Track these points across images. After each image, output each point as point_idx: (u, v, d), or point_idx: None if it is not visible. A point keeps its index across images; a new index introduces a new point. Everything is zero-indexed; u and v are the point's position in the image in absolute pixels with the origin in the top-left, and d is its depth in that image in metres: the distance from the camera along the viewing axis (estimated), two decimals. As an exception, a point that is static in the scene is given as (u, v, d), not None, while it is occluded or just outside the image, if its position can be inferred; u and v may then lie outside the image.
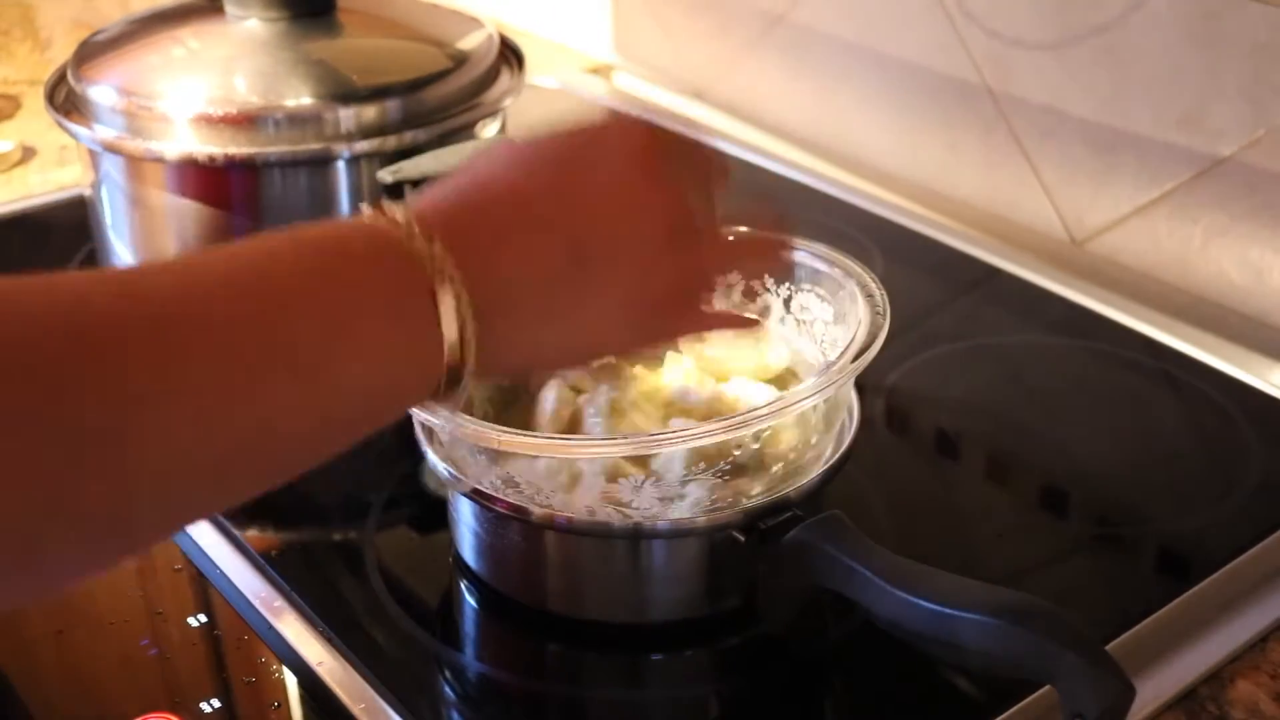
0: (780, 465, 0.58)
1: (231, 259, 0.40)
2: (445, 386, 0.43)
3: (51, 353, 0.34)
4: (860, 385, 0.62)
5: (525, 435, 0.56)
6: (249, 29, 0.82)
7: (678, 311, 0.48)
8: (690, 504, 0.55)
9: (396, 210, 0.43)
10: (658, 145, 0.48)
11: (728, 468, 0.56)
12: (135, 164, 0.80)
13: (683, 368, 0.63)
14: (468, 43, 0.85)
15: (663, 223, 0.47)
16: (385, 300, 0.41)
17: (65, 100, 0.83)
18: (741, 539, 0.56)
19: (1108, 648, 0.50)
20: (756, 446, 0.57)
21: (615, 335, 0.47)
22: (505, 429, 0.56)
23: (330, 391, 0.40)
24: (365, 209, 0.43)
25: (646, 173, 0.47)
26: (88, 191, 0.86)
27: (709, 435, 0.54)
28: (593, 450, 0.55)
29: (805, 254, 0.64)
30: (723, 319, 0.49)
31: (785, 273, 0.65)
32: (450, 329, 0.41)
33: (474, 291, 0.42)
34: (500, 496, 0.56)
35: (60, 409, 0.34)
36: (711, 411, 0.60)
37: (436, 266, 0.41)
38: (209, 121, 0.77)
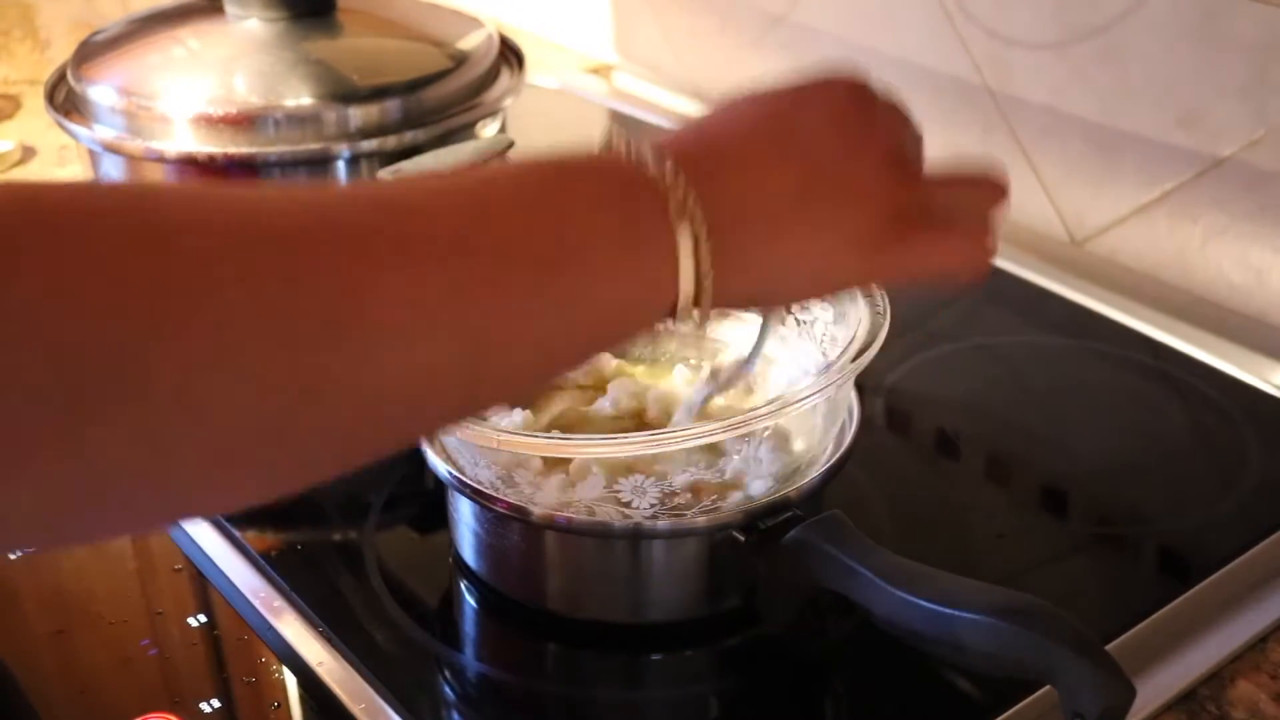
0: (781, 467, 0.58)
1: (475, 181, 0.40)
2: (681, 310, 0.43)
3: (299, 250, 0.35)
4: (860, 385, 0.62)
5: (525, 435, 0.57)
6: (249, 29, 0.82)
7: (903, 243, 0.48)
8: (690, 504, 0.55)
9: (626, 139, 0.43)
10: (867, 92, 0.50)
11: (728, 468, 0.56)
12: (135, 164, 0.80)
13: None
14: (468, 43, 0.85)
15: (881, 157, 0.48)
16: (618, 220, 0.41)
17: (65, 100, 0.83)
18: (741, 539, 0.56)
19: (1108, 648, 0.50)
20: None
21: (847, 263, 0.47)
22: (505, 429, 0.56)
23: (568, 311, 0.40)
24: (406, 169, 0.43)
25: (862, 113, 0.48)
26: (88, 191, 0.86)
27: (709, 435, 0.54)
28: (592, 450, 0.55)
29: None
30: (945, 253, 0.49)
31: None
32: (686, 252, 0.42)
33: (710, 215, 0.42)
34: (500, 496, 0.56)
35: (305, 305, 0.34)
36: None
37: (673, 190, 0.42)
38: (209, 121, 0.77)
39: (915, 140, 0.51)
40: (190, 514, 0.39)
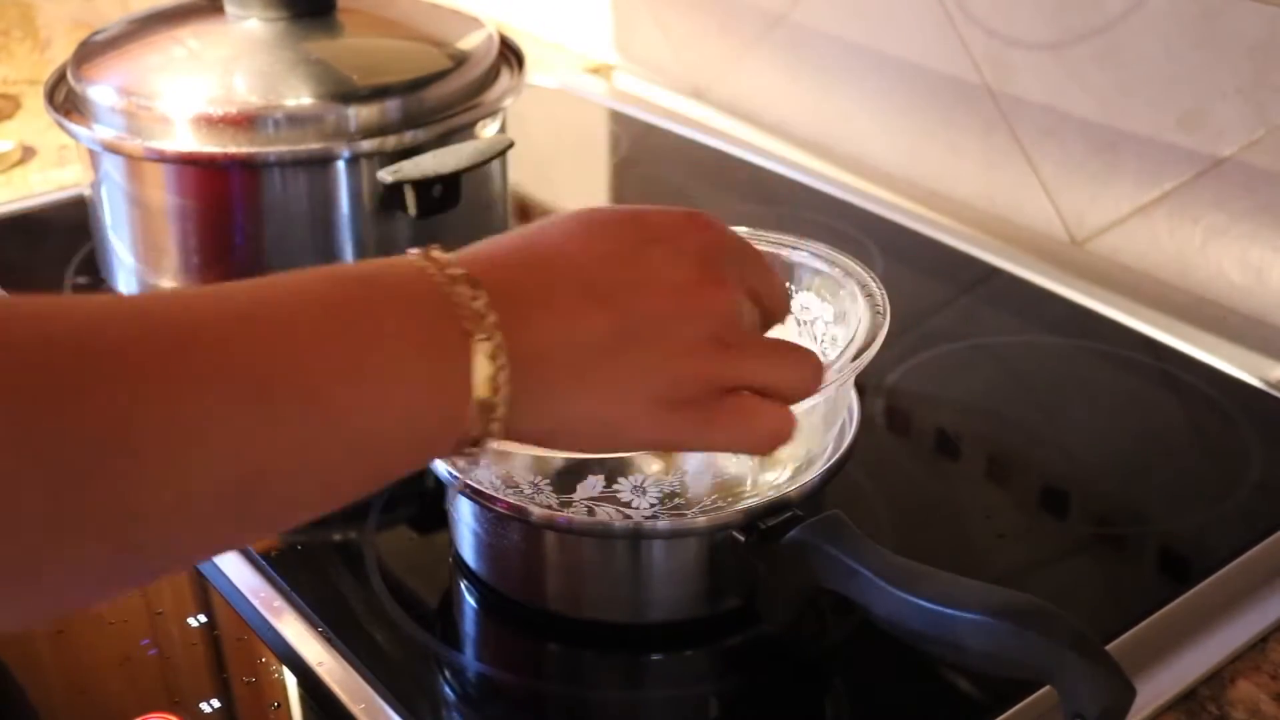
0: (782, 468, 0.58)
1: (255, 291, 0.38)
2: (469, 443, 0.41)
3: (62, 370, 0.33)
4: (860, 385, 0.62)
5: (525, 435, 0.56)
6: (249, 29, 0.82)
7: (703, 414, 0.46)
8: (690, 504, 0.55)
9: (439, 253, 0.41)
10: (727, 249, 0.47)
11: (729, 468, 0.56)
12: (135, 164, 0.80)
13: None
14: (468, 43, 0.85)
15: (714, 327, 0.45)
16: (415, 344, 0.39)
17: (65, 100, 0.83)
18: (741, 539, 0.56)
19: (1108, 648, 0.50)
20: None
21: (642, 426, 0.45)
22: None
23: (347, 435, 0.38)
24: (411, 252, 0.42)
25: (710, 273, 0.46)
26: (87, 191, 0.86)
27: (709, 435, 0.54)
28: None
29: (805, 254, 0.64)
30: (740, 431, 0.48)
31: (784, 274, 0.65)
32: (481, 382, 0.40)
33: (512, 345, 0.40)
34: (500, 496, 0.56)
35: (68, 426, 0.33)
36: None
37: (476, 314, 0.40)
38: (209, 121, 0.77)
39: (752, 315, 0.48)
40: None
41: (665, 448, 0.48)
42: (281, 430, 0.37)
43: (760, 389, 0.47)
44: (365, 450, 0.39)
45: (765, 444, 0.48)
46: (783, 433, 0.47)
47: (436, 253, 0.42)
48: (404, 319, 0.39)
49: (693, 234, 0.46)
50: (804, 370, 0.49)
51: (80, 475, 0.33)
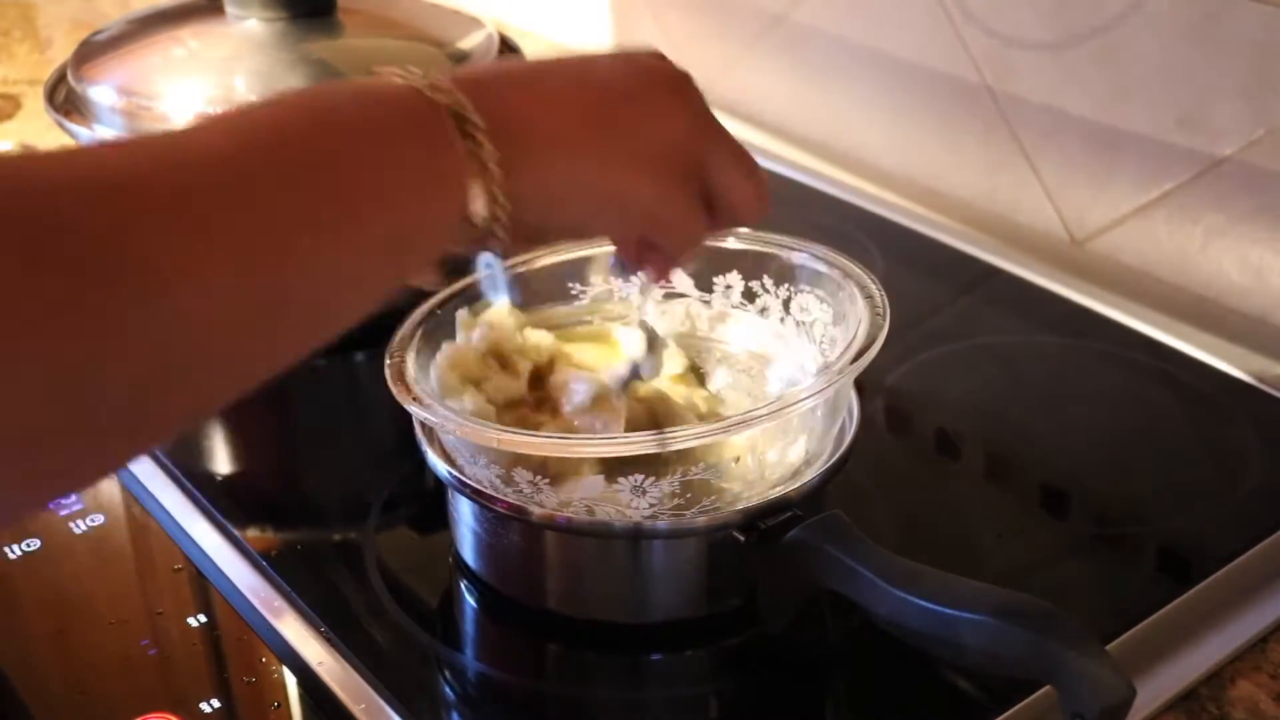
0: (781, 468, 0.58)
1: (255, 113, 0.41)
2: (481, 220, 0.43)
3: (75, 219, 0.34)
4: (860, 385, 0.62)
5: (525, 435, 0.57)
6: (249, 29, 0.82)
7: (695, 168, 0.49)
8: (689, 504, 0.55)
9: (414, 69, 0.44)
10: (666, 60, 0.51)
11: (729, 468, 0.56)
12: (135, 164, 0.80)
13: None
14: (468, 43, 0.85)
15: (677, 91, 0.49)
16: (399, 139, 0.41)
17: (65, 100, 0.83)
18: (741, 539, 0.56)
19: (1108, 648, 0.50)
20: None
21: (640, 186, 0.48)
22: (505, 429, 0.56)
23: (358, 242, 0.40)
24: (384, 69, 0.43)
25: (659, 61, 0.50)
26: (88, 191, 0.86)
27: (709, 435, 0.54)
28: (592, 449, 0.55)
29: (805, 255, 0.64)
30: (733, 183, 0.51)
31: (785, 275, 0.65)
32: (473, 160, 0.42)
33: (496, 127, 0.42)
34: (500, 496, 0.56)
35: (89, 269, 0.33)
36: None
37: (452, 102, 0.42)
38: (209, 121, 0.76)
39: (703, 101, 0.51)
40: None
41: (668, 214, 0.49)
42: (293, 240, 0.38)
43: (722, 185, 0.50)
44: (380, 246, 0.41)
45: (753, 199, 0.51)
46: (765, 199, 0.52)
47: (409, 69, 0.44)
48: (389, 128, 0.42)
49: (639, 51, 0.51)
50: (762, 184, 0.52)
51: (85, 306, 0.33)
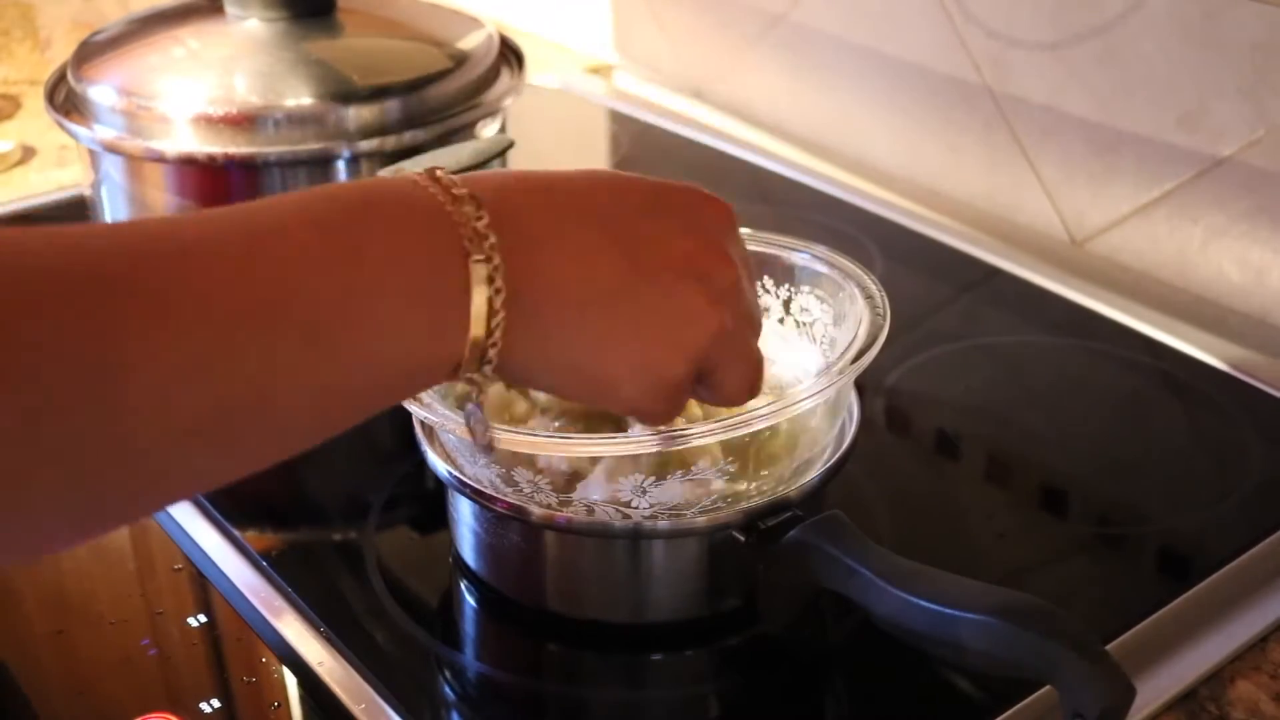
0: (780, 468, 0.58)
1: (249, 215, 0.38)
2: (462, 372, 0.41)
3: (43, 293, 0.33)
4: (860, 385, 0.62)
5: (525, 434, 0.56)
6: (249, 29, 0.82)
7: (680, 395, 0.47)
8: (690, 504, 0.55)
9: (444, 173, 0.41)
10: (735, 223, 0.47)
11: (730, 468, 0.56)
12: (135, 164, 0.80)
13: None
14: (468, 43, 0.85)
15: (720, 290, 0.45)
16: (411, 267, 0.38)
17: (65, 100, 0.83)
18: (741, 539, 0.56)
19: (1108, 648, 0.50)
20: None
21: (631, 386, 0.45)
22: (505, 428, 0.56)
23: (340, 358, 0.37)
24: (407, 169, 0.41)
25: (720, 247, 0.46)
26: (88, 191, 0.86)
27: (709, 435, 0.54)
28: (591, 449, 0.55)
29: (805, 255, 0.64)
30: (741, 377, 0.48)
31: (785, 275, 0.65)
32: (478, 306, 0.39)
33: (512, 275, 0.39)
34: (500, 496, 0.56)
35: (48, 349, 0.32)
36: None
37: (477, 234, 0.39)
38: (209, 121, 0.77)
39: (749, 275, 0.49)
40: None
41: (647, 406, 0.47)
42: (273, 357, 0.36)
43: (718, 378, 0.48)
44: (356, 376, 0.38)
45: (752, 390, 0.49)
46: (756, 393, 0.50)
47: (441, 173, 0.41)
48: (404, 239, 0.39)
49: (708, 210, 0.47)
50: (757, 381, 0.50)
51: (60, 400, 0.32)
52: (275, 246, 0.37)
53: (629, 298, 0.43)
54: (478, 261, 0.39)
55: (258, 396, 0.36)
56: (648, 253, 0.43)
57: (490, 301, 0.39)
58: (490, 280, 0.39)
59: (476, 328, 0.40)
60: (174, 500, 0.37)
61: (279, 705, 0.57)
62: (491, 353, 0.40)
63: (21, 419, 0.32)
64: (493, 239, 0.39)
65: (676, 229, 0.45)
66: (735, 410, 0.52)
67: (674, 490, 0.55)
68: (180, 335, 0.34)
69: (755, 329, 0.49)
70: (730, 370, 0.48)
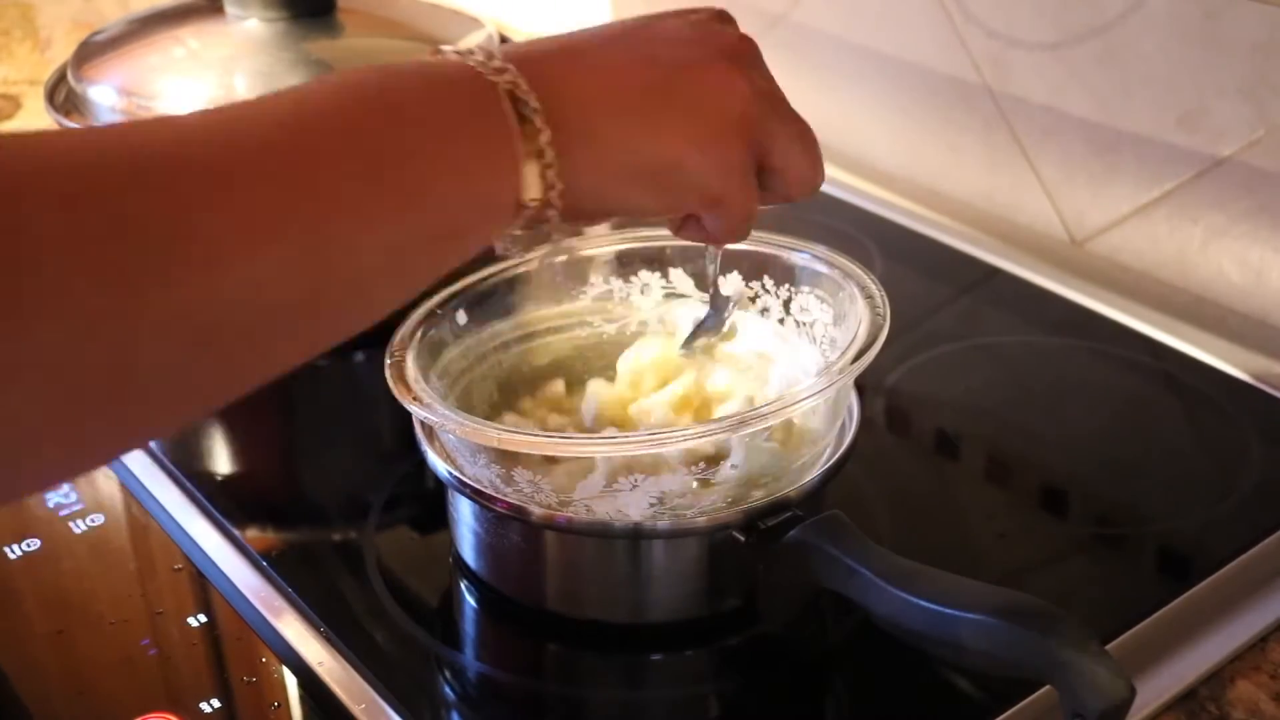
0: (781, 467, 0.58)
1: (302, 101, 0.40)
2: (533, 212, 0.43)
3: (116, 173, 0.34)
4: (860, 385, 0.62)
5: (525, 434, 0.57)
6: (249, 29, 0.82)
7: (750, 142, 0.48)
8: (690, 503, 0.55)
9: (475, 50, 0.43)
10: (725, 14, 0.50)
11: (730, 468, 0.56)
12: (135, 164, 0.80)
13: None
14: (468, 43, 0.85)
15: (735, 62, 0.48)
16: (453, 111, 0.41)
17: (65, 100, 0.83)
18: (741, 539, 0.56)
19: (1108, 648, 0.50)
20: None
21: (694, 158, 0.46)
22: (505, 428, 0.56)
23: (404, 197, 0.39)
24: (444, 49, 0.43)
25: (720, 22, 0.49)
26: (88, 191, 0.86)
27: (709, 435, 0.54)
28: (591, 449, 0.55)
29: (805, 255, 0.64)
30: (787, 157, 0.50)
31: (784, 275, 0.65)
32: (526, 139, 0.41)
33: (551, 105, 0.42)
34: (500, 496, 0.56)
35: (124, 223, 0.33)
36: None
37: (502, 75, 0.42)
38: (209, 121, 0.76)
39: (765, 71, 0.51)
40: (35, 481, 0.38)
41: (724, 190, 0.48)
42: (340, 210, 0.38)
43: (780, 160, 0.50)
44: (429, 220, 0.40)
45: (807, 175, 0.52)
46: (821, 174, 0.52)
47: (462, 47, 0.44)
48: (440, 102, 0.41)
49: (697, 8, 0.50)
50: (818, 160, 0.52)
51: (148, 281, 0.33)
52: (319, 113, 0.39)
53: (663, 90, 0.46)
54: (509, 91, 0.42)
55: (329, 249, 0.37)
56: (667, 50, 0.47)
57: (535, 127, 0.42)
58: (529, 108, 0.42)
59: (531, 168, 0.42)
60: (254, 381, 0.39)
61: (279, 705, 0.57)
62: (551, 175, 0.42)
63: (122, 294, 0.33)
64: (521, 81, 0.42)
65: (685, 25, 0.49)
66: (732, 410, 0.52)
67: (674, 490, 0.55)
68: (245, 200, 0.36)
69: (786, 102, 0.51)
70: (789, 150, 0.50)
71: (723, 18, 0.50)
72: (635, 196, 0.47)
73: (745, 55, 0.48)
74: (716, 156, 0.47)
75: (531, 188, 0.42)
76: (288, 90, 0.40)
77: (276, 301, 0.37)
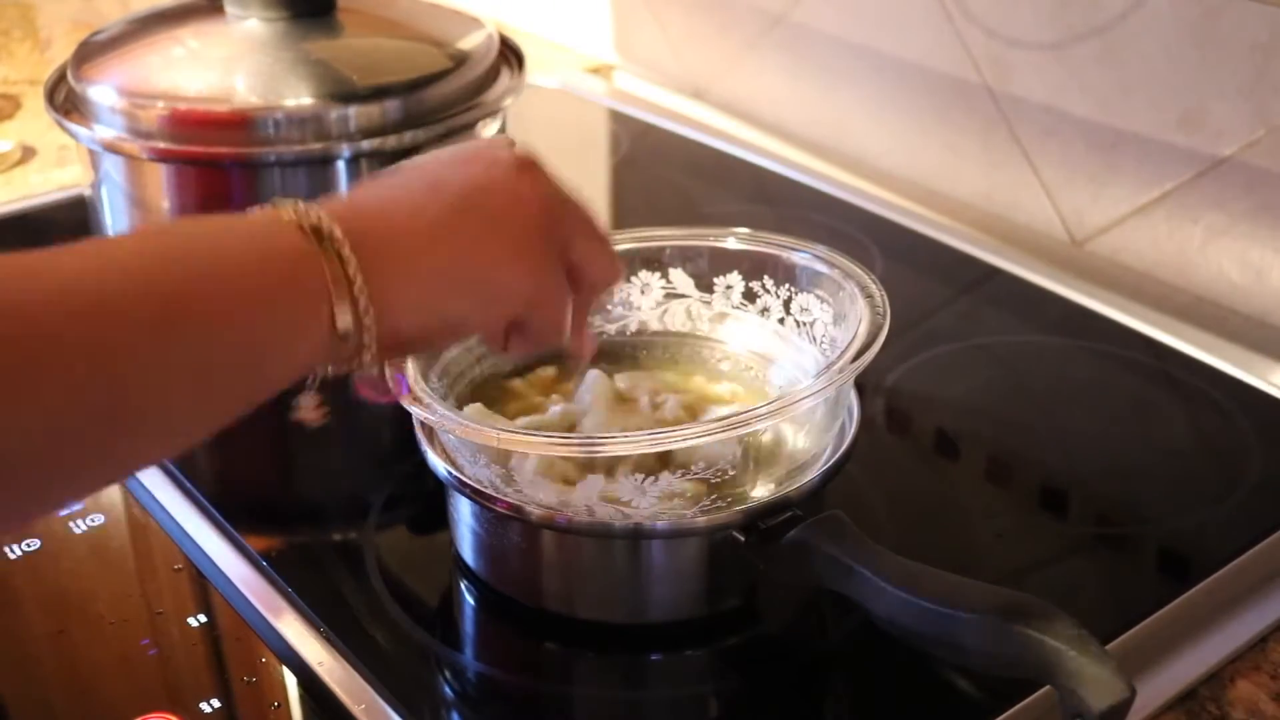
0: (781, 467, 0.58)
1: (112, 246, 0.42)
2: (350, 346, 0.44)
3: None
4: (860, 385, 0.62)
5: (525, 434, 0.57)
6: (249, 29, 0.82)
7: (558, 250, 0.50)
8: (690, 503, 0.55)
9: (280, 203, 0.45)
10: (520, 149, 0.52)
11: (730, 468, 0.56)
12: (135, 164, 0.80)
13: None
14: (468, 43, 0.85)
15: (523, 164, 0.51)
16: (266, 262, 0.43)
17: (65, 100, 0.83)
18: (741, 539, 0.56)
19: (1108, 648, 0.50)
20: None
21: (507, 266, 0.48)
22: (505, 428, 0.56)
23: (207, 354, 0.40)
24: (254, 210, 0.45)
25: (523, 162, 0.51)
26: (88, 191, 0.86)
27: (708, 435, 0.54)
28: (590, 449, 0.55)
29: (805, 255, 0.64)
30: (595, 255, 0.52)
31: (785, 275, 0.65)
32: (336, 280, 0.43)
33: (358, 242, 0.43)
34: (500, 496, 0.56)
35: None
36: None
37: (316, 225, 0.43)
38: (209, 122, 0.77)
39: (551, 176, 0.53)
40: None
41: (540, 291, 0.51)
42: (142, 349, 0.39)
43: (580, 257, 0.52)
44: (231, 366, 0.42)
45: (611, 269, 0.54)
46: (619, 265, 0.55)
47: (278, 202, 0.45)
48: (238, 235, 0.44)
49: (500, 143, 0.53)
50: (615, 252, 0.54)
51: None
52: (140, 268, 0.41)
53: (461, 208, 0.48)
54: (313, 226, 0.44)
55: (126, 394, 0.39)
56: (457, 171, 0.50)
57: (342, 256, 0.43)
58: (332, 239, 0.43)
59: (336, 279, 0.43)
60: (43, 510, 0.42)
61: (279, 705, 0.57)
62: (364, 300, 0.43)
63: None
64: (323, 215, 0.44)
65: (469, 148, 0.52)
66: (735, 411, 0.52)
67: (674, 489, 0.55)
68: (49, 341, 0.37)
69: (578, 202, 0.53)
70: (582, 241, 0.52)
71: (507, 143, 0.52)
72: (454, 309, 0.48)
73: (529, 164, 0.51)
74: (526, 260, 0.49)
75: (344, 319, 0.43)
76: (106, 239, 0.43)
77: (63, 429, 0.37)
